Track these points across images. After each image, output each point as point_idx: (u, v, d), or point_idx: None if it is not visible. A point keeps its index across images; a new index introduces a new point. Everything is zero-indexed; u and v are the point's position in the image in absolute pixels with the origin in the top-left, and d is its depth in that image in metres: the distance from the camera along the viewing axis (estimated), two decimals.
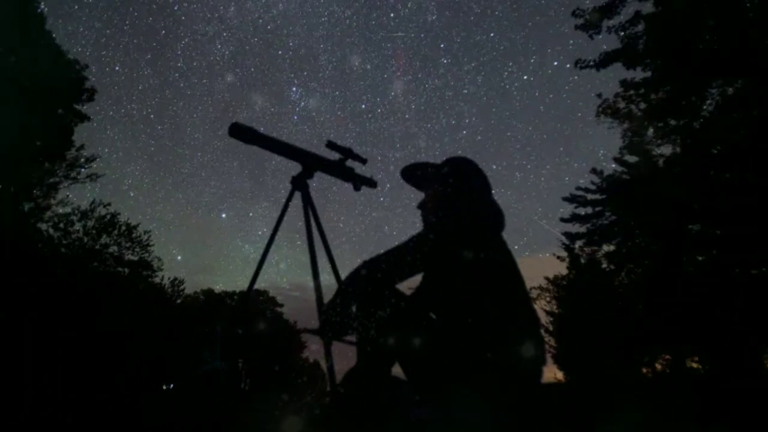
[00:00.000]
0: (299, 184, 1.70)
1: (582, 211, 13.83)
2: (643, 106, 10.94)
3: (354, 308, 1.32)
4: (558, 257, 14.96)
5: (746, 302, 9.07)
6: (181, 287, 19.10)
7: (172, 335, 16.24)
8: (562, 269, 15.88)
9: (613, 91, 11.44)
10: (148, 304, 15.20)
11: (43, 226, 12.53)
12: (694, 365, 12.51)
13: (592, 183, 13.54)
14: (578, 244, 14.18)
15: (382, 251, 1.33)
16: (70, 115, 12.11)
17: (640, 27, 8.82)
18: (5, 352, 9.76)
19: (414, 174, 1.62)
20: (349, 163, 1.79)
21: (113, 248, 14.33)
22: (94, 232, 13.69)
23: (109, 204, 14.02)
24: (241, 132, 1.62)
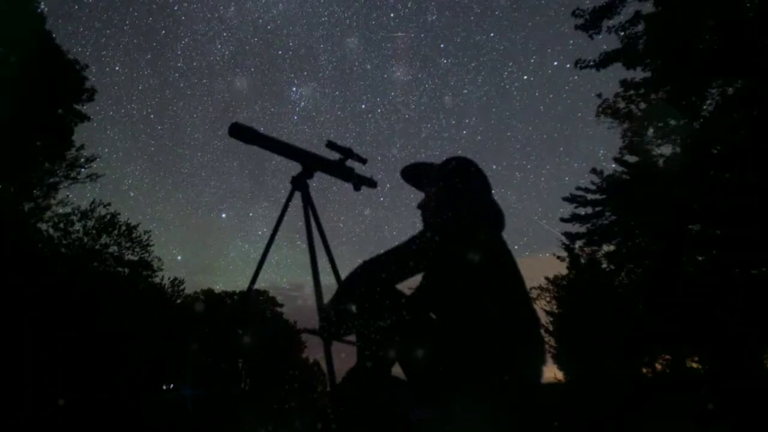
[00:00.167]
0: (299, 184, 1.70)
1: (582, 211, 13.84)
2: (643, 106, 10.95)
3: (354, 308, 1.32)
4: (558, 257, 14.97)
5: (746, 302, 9.07)
6: (181, 287, 19.13)
7: (172, 335, 16.23)
8: (562, 269, 15.91)
9: (613, 91, 11.47)
10: (148, 304, 15.20)
11: (43, 226, 12.54)
12: (694, 365, 12.51)
13: (592, 183, 13.56)
14: (578, 244, 14.19)
15: (382, 251, 1.33)
16: (70, 115, 12.10)
17: (640, 27, 8.83)
18: (5, 352, 9.76)
19: (414, 174, 1.62)
20: (349, 163, 1.79)
21: (113, 248, 14.34)
22: (94, 232, 13.69)
23: (109, 204, 14.04)
24: (241, 132, 1.62)
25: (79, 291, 11.59)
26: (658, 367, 13.78)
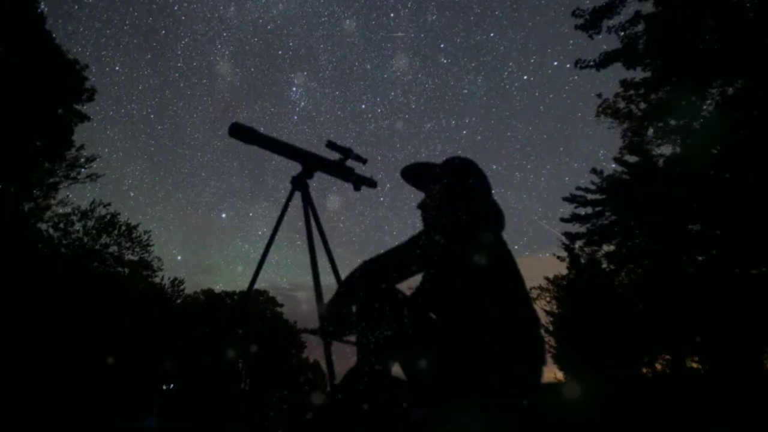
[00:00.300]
0: (299, 184, 1.70)
1: (582, 211, 13.83)
2: (643, 106, 10.95)
3: (354, 308, 1.32)
4: (558, 257, 14.96)
5: (746, 302, 9.07)
6: (181, 287, 19.13)
7: (172, 335, 16.23)
8: (562, 269, 15.89)
9: (613, 91, 11.47)
10: (148, 304, 15.20)
11: (43, 226, 12.54)
12: (694, 365, 12.51)
13: (592, 183, 13.56)
14: (578, 244, 14.18)
15: (382, 251, 1.33)
16: (70, 115, 12.09)
17: (640, 27, 8.82)
18: (5, 352, 9.76)
19: (414, 174, 1.62)
20: (349, 163, 1.79)
21: (113, 248, 14.35)
22: (94, 232, 13.70)
23: (109, 204, 14.05)
24: (241, 132, 1.62)
25: (79, 291, 11.59)
26: (658, 367, 13.77)
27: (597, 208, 13.57)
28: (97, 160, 12.71)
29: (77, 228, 13.35)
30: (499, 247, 1.37)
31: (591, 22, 9.01)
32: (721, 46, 7.84)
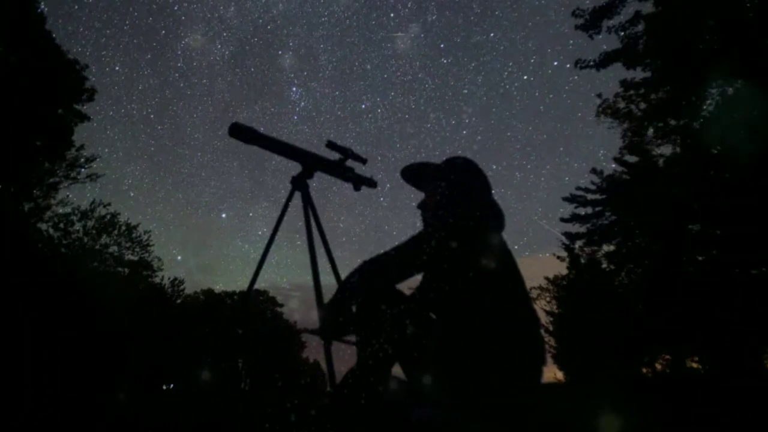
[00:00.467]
0: (299, 184, 1.70)
1: (582, 211, 13.85)
2: (643, 106, 10.95)
3: (354, 308, 1.32)
4: (558, 257, 14.98)
5: (746, 302, 9.07)
6: (181, 287, 19.14)
7: (172, 335, 16.23)
8: (562, 269, 15.91)
9: (613, 91, 11.47)
10: (148, 304, 15.20)
11: (43, 226, 12.55)
12: (694, 365, 12.51)
13: (592, 183, 13.57)
14: (578, 244, 14.20)
15: (382, 251, 1.33)
16: (70, 115, 12.10)
17: (640, 27, 8.82)
18: (5, 352, 9.76)
19: (414, 174, 1.62)
20: (349, 163, 1.79)
21: (113, 248, 14.37)
22: (94, 232, 13.71)
23: (109, 204, 14.07)
24: (241, 132, 1.62)
25: (79, 291, 11.59)
26: (658, 367, 13.78)
27: (597, 208, 13.58)
28: (97, 160, 12.74)
29: (77, 228, 13.37)
30: (500, 247, 1.37)
31: (591, 22, 9.02)
32: (721, 46, 7.84)
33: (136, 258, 15.20)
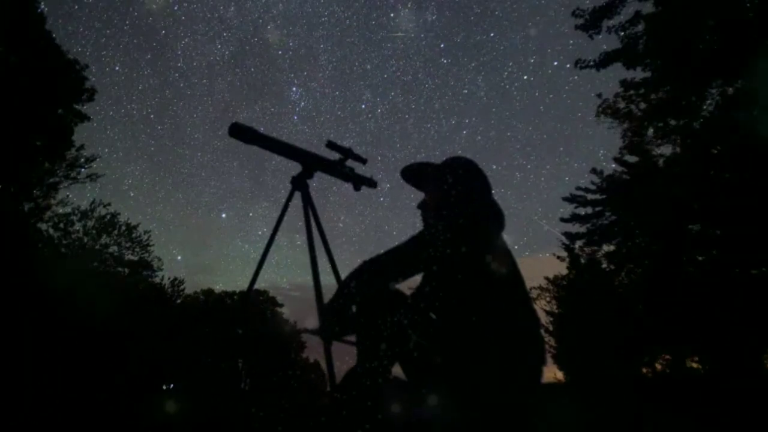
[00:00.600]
0: (299, 184, 1.70)
1: (582, 211, 13.84)
2: (643, 106, 10.95)
3: (354, 308, 1.32)
4: (558, 257, 14.96)
5: (746, 302, 9.07)
6: (181, 287, 19.13)
7: (172, 335, 16.23)
8: (562, 269, 15.89)
9: (613, 91, 11.47)
10: (148, 304, 15.20)
11: (43, 226, 12.55)
12: (694, 365, 12.51)
13: (592, 183, 13.56)
14: (578, 244, 14.18)
15: (382, 251, 1.33)
16: (70, 115, 12.09)
17: (640, 27, 8.81)
18: (5, 352, 9.76)
19: (414, 174, 1.62)
20: (349, 163, 1.79)
21: (113, 248, 14.36)
22: (94, 232, 13.72)
23: (109, 204, 14.07)
24: (241, 132, 1.61)
25: (79, 291, 11.58)
26: (658, 367, 13.77)
27: (597, 208, 13.58)
28: (97, 160, 12.72)
29: (77, 228, 13.37)
30: (500, 247, 1.37)
31: (591, 22, 9.01)
32: (721, 46, 7.83)
33: (136, 258, 15.20)
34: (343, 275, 1.43)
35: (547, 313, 17.31)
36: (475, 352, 1.20)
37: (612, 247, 13.52)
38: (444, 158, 1.56)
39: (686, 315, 10.31)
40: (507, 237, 1.43)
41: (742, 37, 7.42)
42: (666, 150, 11.53)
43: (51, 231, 12.71)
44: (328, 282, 1.63)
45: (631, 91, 10.74)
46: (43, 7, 11.09)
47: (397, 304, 1.29)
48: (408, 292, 1.37)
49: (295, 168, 1.72)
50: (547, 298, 18.17)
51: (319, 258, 1.63)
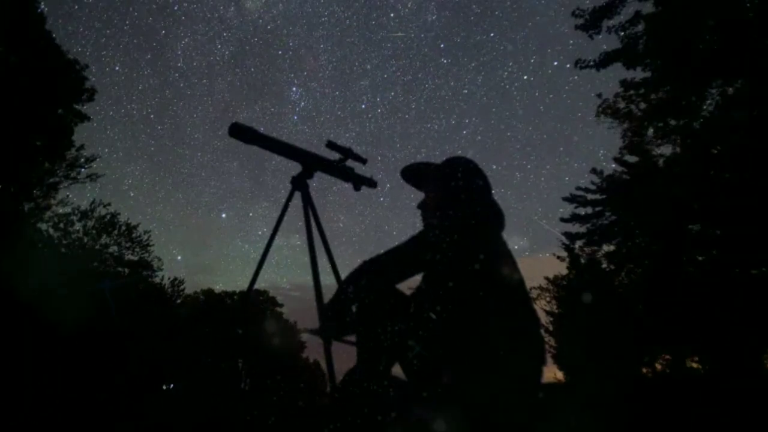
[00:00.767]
0: (299, 184, 1.70)
1: (582, 211, 13.85)
2: (643, 106, 10.95)
3: (354, 308, 1.32)
4: (558, 257, 14.96)
5: (746, 302, 9.06)
6: (181, 287, 19.13)
7: (172, 335, 16.23)
8: (562, 269, 15.88)
9: (613, 91, 11.47)
10: (148, 304, 15.20)
11: (43, 226, 12.55)
12: (694, 365, 12.50)
13: (592, 183, 13.56)
14: (578, 244, 14.18)
15: (382, 251, 1.33)
16: (70, 115, 12.10)
17: (640, 27, 8.82)
18: (5, 352, 9.76)
19: (414, 174, 1.62)
20: (349, 163, 1.79)
21: (113, 248, 14.37)
22: (94, 232, 13.72)
23: (109, 204, 14.08)
24: (241, 132, 1.61)
25: (79, 291, 11.59)
26: (658, 367, 13.77)
27: (597, 208, 13.58)
28: (97, 160, 12.74)
29: (77, 228, 13.38)
30: (500, 247, 1.37)
31: (591, 22, 9.02)
32: (721, 46, 7.84)
33: (136, 258, 15.21)
34: (343, 275, 1.43)
35: (547, 313, 17.31)
36: (475, 352, 1.20)
37: (612, 247, 13.53)
38: (444, 158, 1.56)
39: (686, 315, 10.31)
40: (507, 237, 1.43)
41: (742, 37, 7.42)
42: (666, 150, 11.54)
43: (51, 231, 12.73)
44: (328, 282, 1.63)
45: (631, 91, 10.75)
46: (43, 7, 11.11)
47: (397, 304, 1.29)
48: (408, 292, 1.37)
49: (295, 168, 1.73)
50: (547, 298, 18.18)
51: (319, 258, 1.63)
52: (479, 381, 1.18)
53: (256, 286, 1.78)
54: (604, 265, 13.97)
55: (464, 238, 1.29)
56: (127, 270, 15.05)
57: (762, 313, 8.74)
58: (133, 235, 14.76)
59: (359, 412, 1.23)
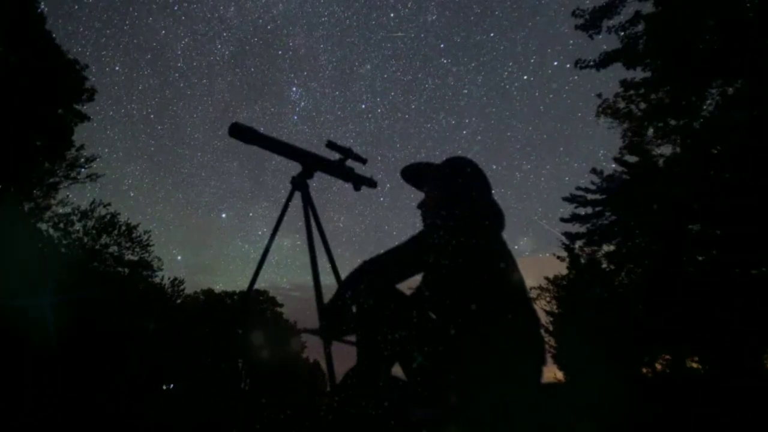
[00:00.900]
0: (299, 184, 1.70)
1: (582, 211, 13.84)
2: (643, 106, 10.95)
3: (354, 308, 1.32)
4: (558, 257, 14.96)
5: (746, 302, 9.06)
6: (181, 287, 19.13)
7: (172, 335, 16.23)
8: (562, 269, 15.88)
9: (613, 91, 11.46)
10: (148, 304, 15.20)
11: (43, 226, 12.54)
12: (694, 365, 12.50)
13: (592, 183, 13.56)
14: (578, 244, 14.18)
15: (382, 251, 1.33)
16: (70, 115, 12.10)
17: (640, 27, 8.82)
18: (5, 353, 9.76)
19: (414, 174, 1.62)
20: (349, 163, 1.80)
21: (113, 248, 14.36)
22: (94, 232, 13.71)
23: (109, 204, 14.07)
24: (241, 132, 1.62)
25: (79, 291, 11.59)
26: (658, 367, 13.77)
27: (597, 208, 13.58)
28: (97, 160, 12.74)
29: (77, 228, 13.37)
30: (499, 247, 1.37)
31: (591, 22, 9.02)
32: (721, 46, 7.84)
33: (136, 258, 15.20)
34: (343, 275, 1.43)
35: (547, 313, 17.31)
36: (475, 352, 1.20)
37: (612, 247, 13.52)
38: (444, 158, 1.56)
39: (686, 315, 10.31)
40: (507, 237, 1.43)
41: (742, 37, 7.42)
42: (666, 150, 11.53)
43: (51, 231, 12.72)
44: (328, 282, 1.63)
45: (631, 91, 10.74)
46: (43, 7, 11.11)
47: (397, 304, 1.29)
48: (408, 292, 1.37)
49: (295, 168, 1.73)
50: (547, 298, 18.17)
51: (319, 258, 1.63)
52: (479, 381, 1.18)
53: (256, 286, 1.78)
54: (604, 265, 13.97)
55: (469, 239, 1.29)
56: (127, 270, 15.05)
57: (762, 313, 8.73)
58: (133, 235, 14.76)
59: (359, 412, 1.23)
